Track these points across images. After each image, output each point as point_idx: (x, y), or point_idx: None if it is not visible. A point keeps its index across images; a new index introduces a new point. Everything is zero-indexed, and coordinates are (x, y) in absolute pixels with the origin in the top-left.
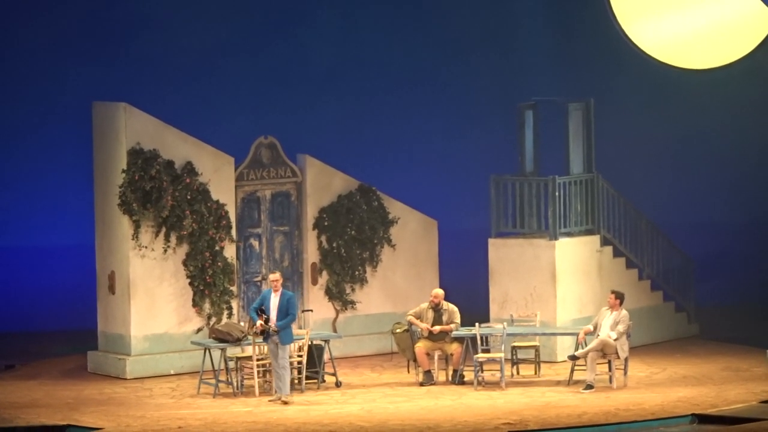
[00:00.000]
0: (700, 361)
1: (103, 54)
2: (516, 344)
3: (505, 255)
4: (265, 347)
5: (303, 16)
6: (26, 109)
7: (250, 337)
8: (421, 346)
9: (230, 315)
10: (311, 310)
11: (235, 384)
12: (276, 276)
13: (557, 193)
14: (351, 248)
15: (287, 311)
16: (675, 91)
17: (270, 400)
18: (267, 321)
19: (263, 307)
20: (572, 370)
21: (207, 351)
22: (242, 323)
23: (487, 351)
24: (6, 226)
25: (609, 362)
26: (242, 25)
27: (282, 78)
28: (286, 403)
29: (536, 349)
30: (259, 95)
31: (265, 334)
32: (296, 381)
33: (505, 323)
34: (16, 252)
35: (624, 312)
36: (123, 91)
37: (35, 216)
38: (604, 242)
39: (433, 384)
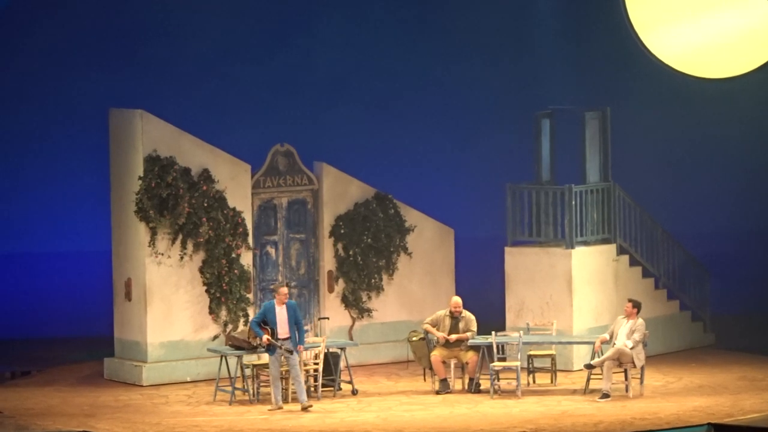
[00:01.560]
0: (716, 371)
1: (119, 61)
2: (532, 353)
3: (521, 263)
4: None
5: (315, 23)
6: (42, 115)
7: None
8: (437, 354)
9: (246, 322)
10: (327, 318)
11: (251, 391)
12: (287, 290)
13: (573, 202)
14: (367, 256)
15: (296, 321)
16: (692, 100)
17: (270, 409)
18: (272, 335)
19: (265, 320)
20: (588, 379)
21: (223, 358)
22: None
23: (503, 359)
24: (23, 233)
25: (625, 371)
26: (254, 33)
27: (296, 86)
28: (306, 408)
29: (552, 357)
30: (274, 103)
31: (272, 348)
32: (312, 389)
33: (521, 332)
34: (32, 258)
35: (640, 321)
36: (139, 98)
37: (52, 222)
38: (621, 251)
39: (449, 392)
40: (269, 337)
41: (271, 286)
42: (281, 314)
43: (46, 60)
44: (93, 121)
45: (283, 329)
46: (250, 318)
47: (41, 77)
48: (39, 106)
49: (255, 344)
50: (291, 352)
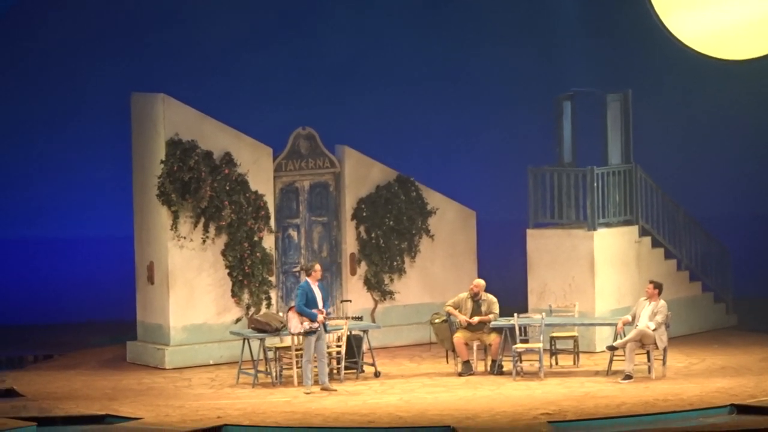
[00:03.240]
0: (738, 352)
1: (139, 48)
2: (554, 335)
3: (543, 245)
4: (301, 338)
5: (333, 5)
6: (65, 101)
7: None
8: (459, 337)
9: (269, 305)
10: (350, 301)
11: (273, 374)
12: (319, 267)
13: (595, 184)
14: (389, 239)
15: (324, 300)
16: (713, 82)
17: (307, 393)
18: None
19: (307, 301)
20: (611, 361)
21: (246, 341)
22: (281, 314)
23: (526, 341)
24: (46, 218)
25: (647, 353)
26: (275, 15)
27: (317, 70)
28: (329, 390)
29: (575, 339)
30: (295, 87)
31: (313, 329)
32: (335, 371)
33: (543, 314)
34: (55, 243)
35: (662, 302)
36: (160, 84)
37: (74, 207)
38: (643, 233)
39: (472, 374)
40: (323, 315)
41: (295, 269)
42: (317, 292)
43: (67, 47)
44: (115, 106)
45: (321, 306)
46: (272, 301)
47: (62, 64)
48: (61, 93)
49: (307, 329)
50: (360, 318)
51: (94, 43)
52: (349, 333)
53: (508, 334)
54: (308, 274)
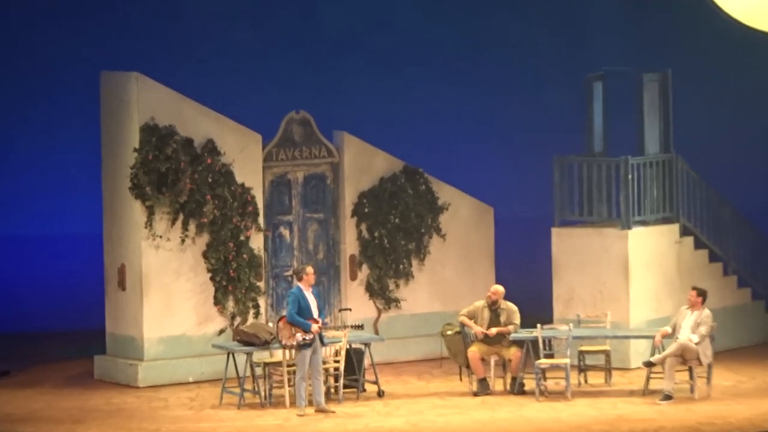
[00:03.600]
0: None
1: (112, 19)
2: (583, 348)
3: (570, 246)
4: (294, 352)
5: None
6: (27, 82)
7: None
8: (475, 351)
9: (257, 314)
10: (349, 309)
11: (262, 393)
12: (312, 270)
13: (630, 176)
14: (395, 238)
15: (319, 308)
16: (766, 59)
17: (300, 415)
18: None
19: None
20: (648, 378)
21: (230, 355)
22: (271, 324)
23: (551, 356)
24: (3, 213)
25: (690, 369)
26: None
27: (313, 47)
28: (326, 411)
29: (606, 354)
30: (287, 67)
31: (309, 342)
32: (333, 390)
33: (570, 324)
34: (14, 242)
35: (706, 312)
36: (134, 60)
37: (36, 202)
38: (684, 232)
39: (489, 394)
40: (319, 325)
41: (287, 272)
42: (311, 299)
43: (29, 22)
44: (82, 87)
45: (316, 315)
46: (261, 309)
47: (25, 40)
48: (22, 73)
49: (300, 341)
50: (361, 327)
51: (62, 19)
52: (348, 346)
53: (531, 348)
54: (299, 279)
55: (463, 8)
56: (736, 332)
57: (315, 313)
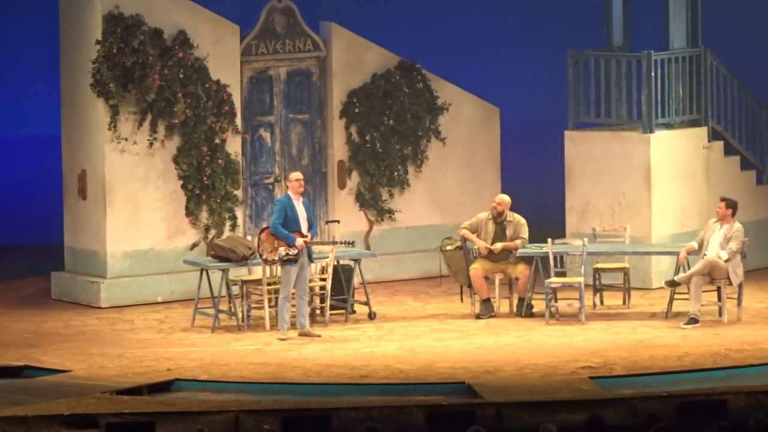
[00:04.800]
0: None
1: None
2: (599, 266)
3: (585, 152)
4: (278, 269)
5: None
6: None
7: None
8: (478, 268)
9: (234, 227)
10: (338, 222)
11: (239, 315)
12: (299, 175)
13: (653, 73)
14: (389, 142)
15: (310, 221)
16: None
17: (282, 339)
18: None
19: (284, 221)
20: (671, 300)
21: (204, 272)
22: (249, 237)
23: (563, 274)
24: None
25: (718, 289)
26: None
27: None
28: (310, 335)
29: (625, 272)
30: None
31: (295, 258)
32: (319, 311)
33: (585, 239)
34: None
35: (737, 225)
36: None
37: None
38: (713, 136)
39: (493, 316)
40: (306, 239)
41: (267, 180)
42: (300, 210)
43: None
44: None
45: (305, 230)
46: (238, 221)
47: None
48: None
49: (283, 255)
50: (352, 243)
51: None
52: (336, 263)
53: (540, 266)
54: (271, 187)
55: None
56: None
57: (303, 227)
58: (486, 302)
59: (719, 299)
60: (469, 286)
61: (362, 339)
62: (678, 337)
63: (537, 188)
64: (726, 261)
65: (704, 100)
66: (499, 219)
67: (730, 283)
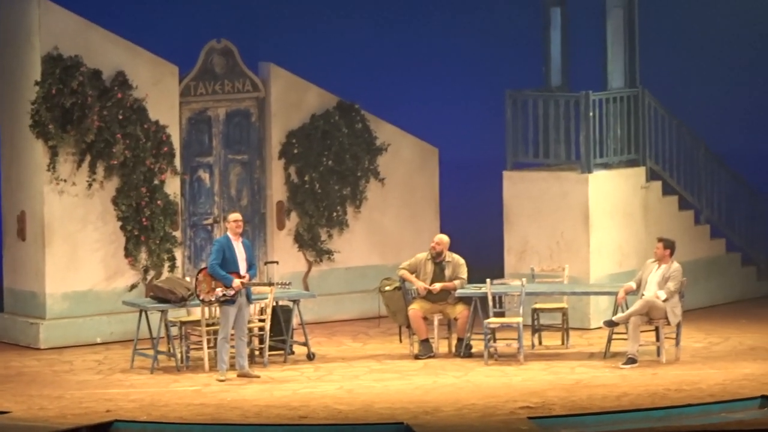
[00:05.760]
0: None
1: None
2: (538, 306)
3: (524, 192)
4: (217, 309)
5: None
6: None
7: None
8: (416, 309)
9: (173, 268)
10: (276, 262)
11: (178, 356)
12: (238, 216)
13: (591, 113)
14: (328, 183)
15: (250, 261)
16: None
17: (221, 380)
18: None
19: (222, 261)
20: (609, 340)
21: (143, 313)
22: (188, 278)
23: (501, 315)
24: None
25: (657, 329)
26: None
27: None
28: (249, 376)
29: (564, 312)
30: None
31: (232, 298)
32: (257, 352)
33: (524, 279)
34: None
35: (676, 265)
36: None
37: None
38: (652, 176)
39: (432, 356)
40: (243, 280)
41: (206, 221)
42: (239, 251)
43: None
44: None
45: (243, 270)
46: (177, 262)
47: None
48: None
49: (220, 296)
50: (289, 284)
51: None
52: (275, 303)
53: (479, 306)
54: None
55: None
56: (708, 288)
57: (242, 268)
58: (425, 343)
59: (657, 339)
60: (408, 326)
61: (301, 380)
62: (616, 376)
63: (476, 228)
64: (664, 301)
65: (642, 139)
66: (437, 259)
67: (669, 323)
